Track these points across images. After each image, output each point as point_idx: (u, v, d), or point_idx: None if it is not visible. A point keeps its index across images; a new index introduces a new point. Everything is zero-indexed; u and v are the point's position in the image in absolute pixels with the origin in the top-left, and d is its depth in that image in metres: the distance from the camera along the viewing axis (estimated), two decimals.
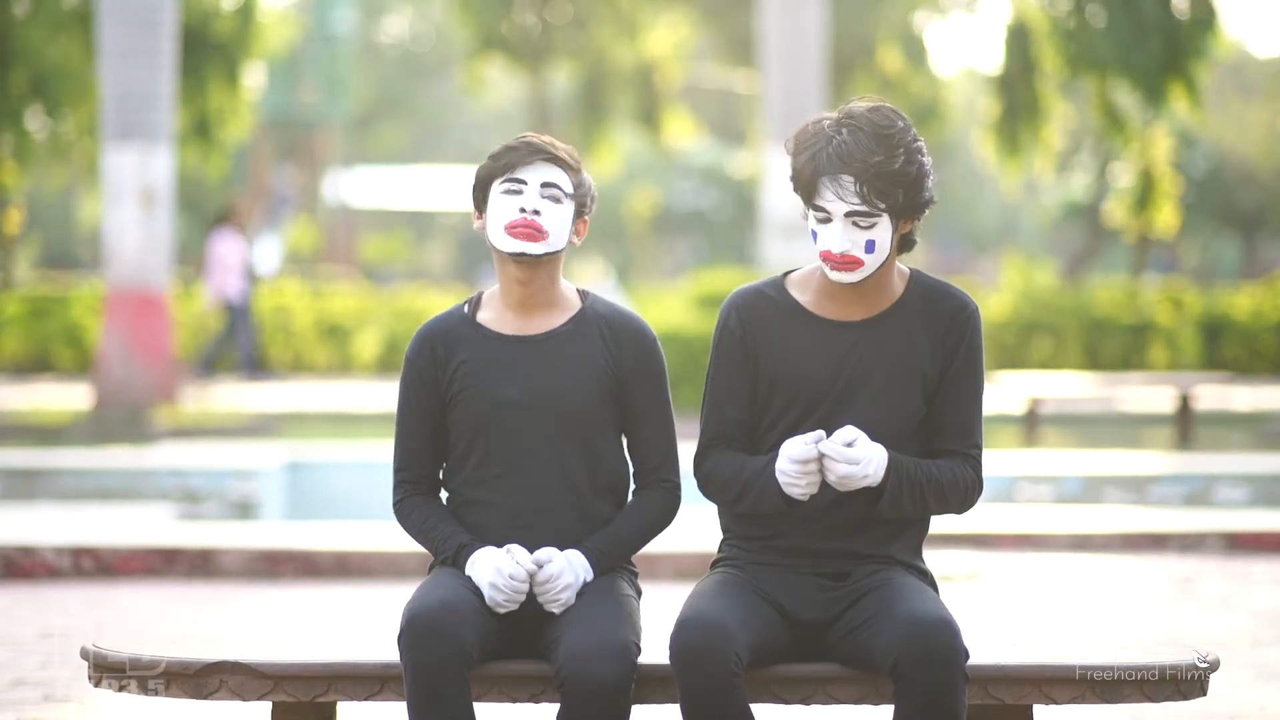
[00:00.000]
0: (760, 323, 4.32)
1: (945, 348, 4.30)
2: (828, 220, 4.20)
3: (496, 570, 4.29)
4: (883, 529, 4.32)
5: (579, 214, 4.44)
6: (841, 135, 4.18)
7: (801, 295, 4.34)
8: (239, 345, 22.89)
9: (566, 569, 4.33)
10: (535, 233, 4.36)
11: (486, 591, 4.29)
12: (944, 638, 4.07)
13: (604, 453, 4.44)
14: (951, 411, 4.30)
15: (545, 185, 4.39)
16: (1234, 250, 53.76)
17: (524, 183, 4.38)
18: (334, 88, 44.98)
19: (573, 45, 32.29)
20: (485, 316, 4.49)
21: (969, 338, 4.31)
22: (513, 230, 4.37)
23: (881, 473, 4.19)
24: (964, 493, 4.30)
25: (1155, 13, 23.62)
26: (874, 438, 4.24)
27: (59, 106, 25.74)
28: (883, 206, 4.17)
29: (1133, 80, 23.84)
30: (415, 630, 4.16)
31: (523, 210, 4.37)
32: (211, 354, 22.96)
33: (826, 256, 4.22)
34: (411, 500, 4.48)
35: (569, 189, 4.41)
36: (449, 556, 4.40)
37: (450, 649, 4.15)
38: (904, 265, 4.38)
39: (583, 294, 4.51)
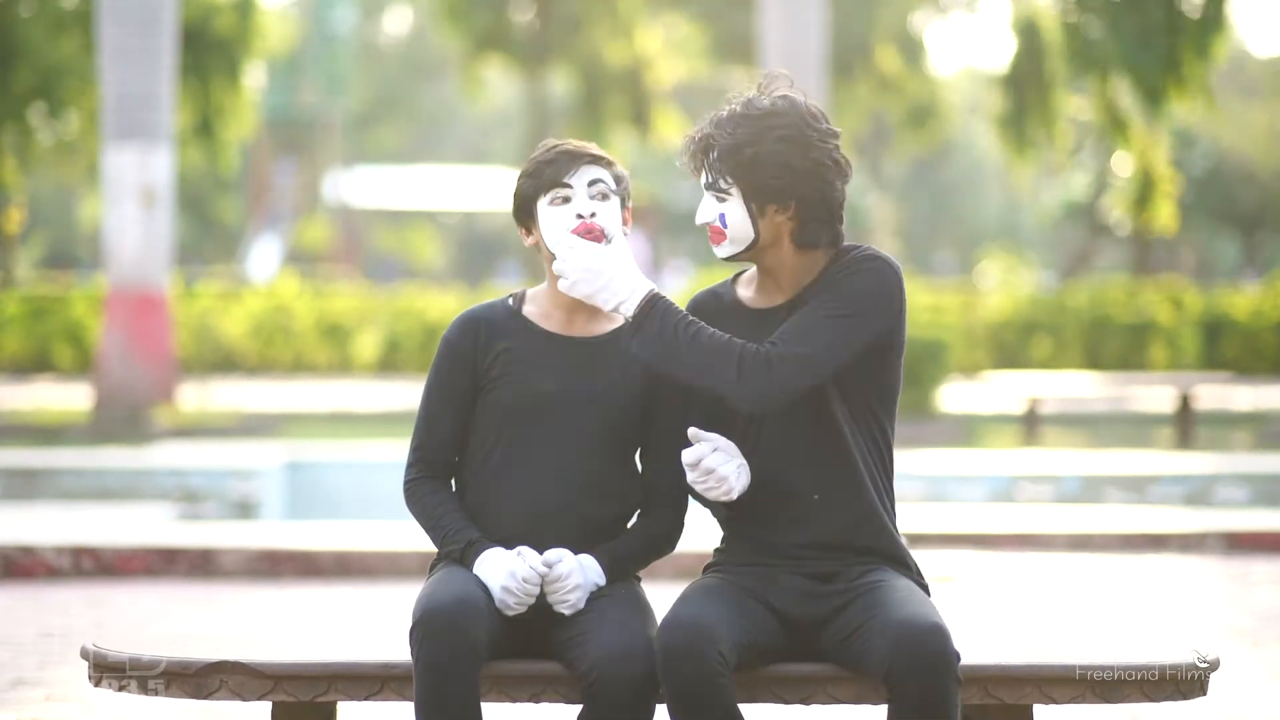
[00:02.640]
0: (707, 320, 4.39)
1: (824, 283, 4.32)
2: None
3: (510, 574, 4.28)
4: (862, 525, 4.32)
5: (622, 205, 4.48)
6: (722, 116, 4.34)
7: (744, 290, 4.45)
8: None
9: (577, 570, 4.32)
10: (598, 235, 4.40)
11: (497, 594, 4.28)
12: (935, 644, 4.07)
13: (623, 463, 4.45)
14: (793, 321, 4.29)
15: (592, 184, 4.44)
16: (1234, 249, 53.78)
17: (571, 187, 4.43)
18: (334, 87, 45.01)
19: (569, 46, 32.29)
20: (531, 311, 4.50)
21: (847, 268, 4.29)
22: (580, 235, 4.40)
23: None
24: (736, 359, 4.19)
25: (1160, 12, 23.63)
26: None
27: (62, 105, 25.75)
28: (727, 183, 4.31)
29: (1136, 80, 23.85)
30: (429, 625, 4.14)
31: (580, 216, 4.41)
32: None
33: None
34: (425, 483, 4.45)
35: (612, 184, 4.46)
36: (456, 552, 4.38)
37: (463, 645, 4.14)
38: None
39: None
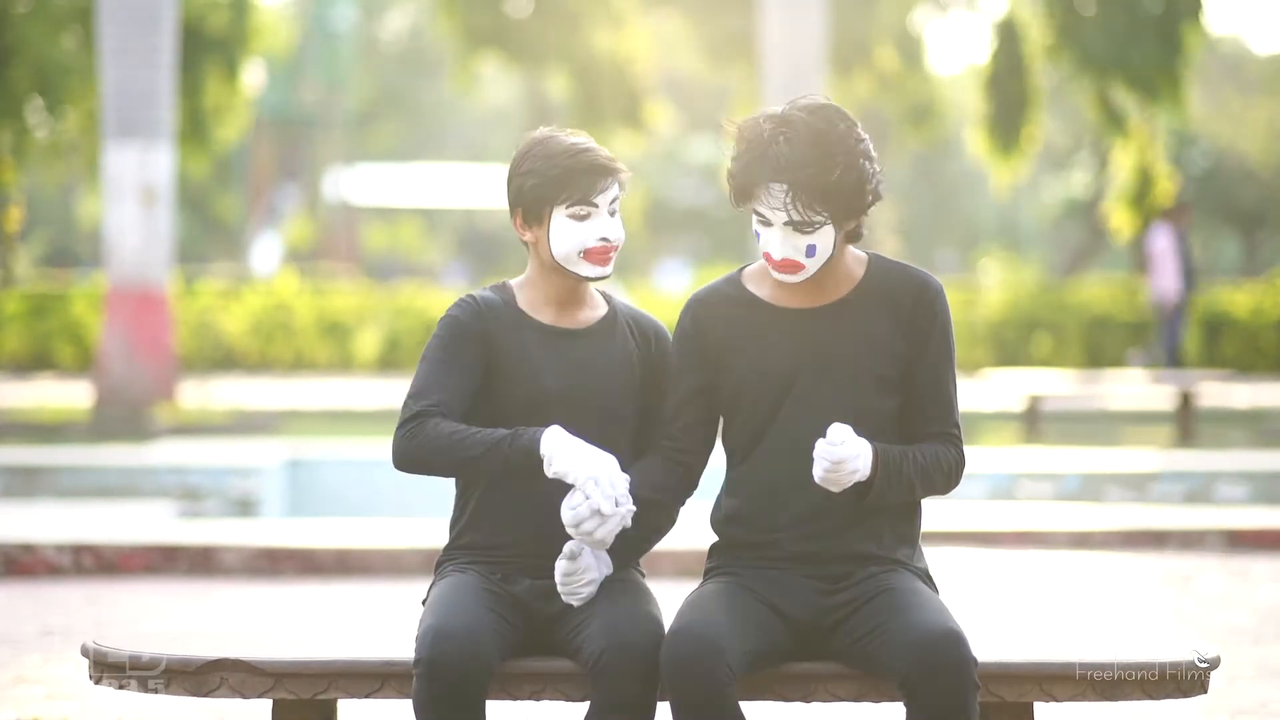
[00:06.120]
0: (718, 320, 4.31)
1: (913, 330, 4.28)
2: (768, 225, 4.20)
3: (603, 464, 4.15)
4: (876, 528, 4.31)
5: None
6: (779, 144, 4.14)
7: (758, 288, 4.33)
8: (1163, 339, 22.24)
9: (594, 564, 4.31)
10: (611, 253, 4.36)
11: (581, 483, 4.14)
12: (954, 651, 4.05)
13: (628, 449, 4.42)
14: (928, 394, 4.29)
15: (612, 203, 4.36)
16: (1234, 247, 53.76)
17: (597, 206, 4.34)
18: (334, 85, 44.99)
19: (566, 42, 32.23)
20: (524, 304, 4.42)
21: (936, 318, 4.28)
22: (592, 257, 4.33)
23: (869, 467, 4.19)
24: (948, 474, 4.31)
25: (1150, 10, 23.66)
26: (844, 421, 4.22)
27: (60, 103, 25.74)
28: (821, 217, 4.16)
29: (1129, 79, 23.86)
30: (434, 671, 4.08)
31: (604, 239, 4.33)
32: (1171, 352, 22.14)
33: (768, 259, 4.23)
34: (432, 419, 4.24)
35: (623, 195, 4.39)
36: (504, 443, 4.20)
37: (468, 694, 4.10)
38: (861, 250, 4.36)
39: (604, 294, 4.51)
